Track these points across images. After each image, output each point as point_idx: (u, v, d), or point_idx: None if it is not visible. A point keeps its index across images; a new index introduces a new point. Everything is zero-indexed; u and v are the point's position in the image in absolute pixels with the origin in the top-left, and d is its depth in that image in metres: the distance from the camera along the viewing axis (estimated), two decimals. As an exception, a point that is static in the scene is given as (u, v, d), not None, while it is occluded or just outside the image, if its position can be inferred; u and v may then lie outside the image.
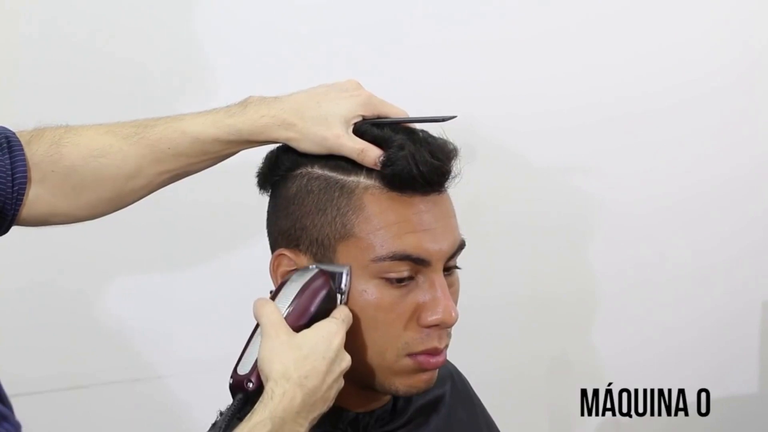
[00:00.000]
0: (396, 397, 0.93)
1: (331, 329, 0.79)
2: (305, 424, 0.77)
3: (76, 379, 1.46)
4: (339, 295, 0.83)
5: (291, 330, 0.79)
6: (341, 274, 0.83)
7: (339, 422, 0.89)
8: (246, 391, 0.78)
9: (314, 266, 0.84)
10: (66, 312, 1.43)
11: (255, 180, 0.92)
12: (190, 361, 1.53)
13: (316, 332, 0.79)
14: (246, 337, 0.82)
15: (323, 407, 0.78)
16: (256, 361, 0.78)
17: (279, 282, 0.86)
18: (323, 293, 0.82)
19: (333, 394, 0.79)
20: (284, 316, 0.80)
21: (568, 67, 1.71)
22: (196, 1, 1.45)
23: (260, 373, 0.77)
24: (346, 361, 0.80)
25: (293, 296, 0.81)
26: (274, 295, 0.83)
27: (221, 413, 0.98)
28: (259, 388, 0.77)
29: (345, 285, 0.83)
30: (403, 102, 0.92)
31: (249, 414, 0.75)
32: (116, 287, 1.46)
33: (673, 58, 1.80)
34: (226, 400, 0.97)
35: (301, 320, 0.80)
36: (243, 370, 0.79)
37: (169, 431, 1.52)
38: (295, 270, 0.85)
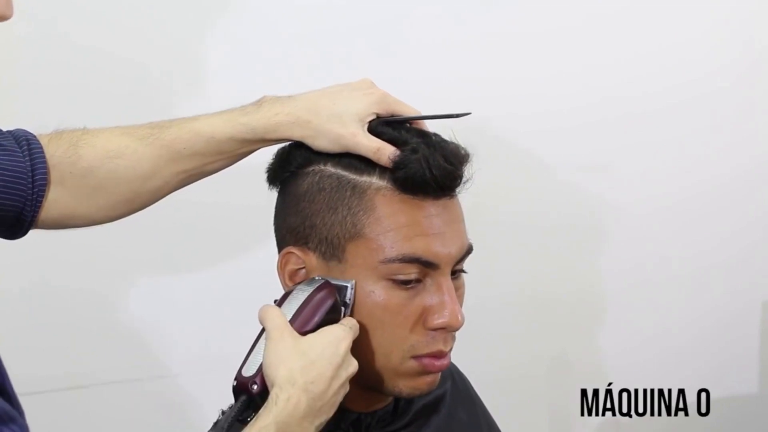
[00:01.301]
0: (398, 398, 0.93)
1: (339, 334, 0.79)
2: (311, 428, 0.76)
3: (76, 379, 1.46)
4: (343, 308, 0.83)
5: (296, 334, 0.78)
6: (346, 287, 0.83)
7: (341, 422, 0.89)
8: (250, 394, 0.78)
9: (320, 277, 0.84)
10: (66, 312, 1.43)
11: (261, 179, 0.92)
12: (191, 361, 1.53)
13: (324, 337, 0.78)
14: (247, 336, 0.82)
15: (330, 412, 0.78)
16: (261, 364, 0.78)
17: (285, 283, 0.86)
18: (328, 304, 0.81)
19: (339, 399, 0.79)
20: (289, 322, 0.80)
21: (569, 66, 1.71)
22: (197, 1, 1.45)
23: (265, 377, 0.77)
24: (353, 366, 0.80)
25: (299, 305, 0.81)
26: (279, 303, 0.83)
27: (223, 412, 0.98)
28: (263, 391, 0.77)
29: (349, 299, 0.83)
30: (406, 101, 0.92)
31: (253, 419, 0.75)
32: (116, 287, 1.46)
33: (673, 58, 1.80)
34: (228, 400, 0.98)
35: (304, 329, 0.80)
36: (248, 372, 0.79)
37: (170, 431, 1.52)
38: (301, 280, 0.85)
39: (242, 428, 0.76)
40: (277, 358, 0.76)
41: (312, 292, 0.81)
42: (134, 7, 1.41)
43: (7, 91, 1.34)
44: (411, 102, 0.92)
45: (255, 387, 0.78)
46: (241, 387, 0.79)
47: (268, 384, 0.77)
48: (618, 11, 1.75)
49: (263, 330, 0.81)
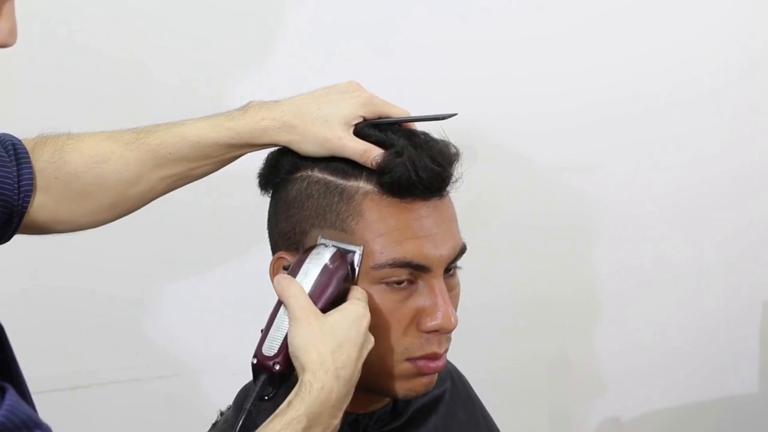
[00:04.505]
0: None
1: (359, 312, 0.78)
2: (339, 415, 0.76)
3: (76, 379, 1.46)
4: (351, 274, 0.82)
5: (320, 314, 0.77)
6: (354, 253, 0.82)
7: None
8: (271, 373, 0.77)
9: (327, 242, 0.83)
10: (66, 312, 1.43)
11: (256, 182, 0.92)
12: (191, 361, 1.53)
13: (346, 316, 0.78)
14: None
15: (351, 394, 0.78)
16: (283, 343, 0.77)
17: (296, 259, 0.84)
18: (342, 274, 0.81)
19: (358, 377, 0.78)
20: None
21: (569, 66, 1.71)
22: (196, 2, 1.45)
23: (294, 361, 0.76)
24: (371, 342, 0.79)
25: (315, 277, 0.80)
26: (291, 273, 0.81)
27: (222, 413, 0.99)
28: (285, 371, 0.77)
29: (357, 264, 0.82)
30: (402, 102, 0.92)
31: (284, 405, 0.74)
32: (116, 287, 1.45)
33: (673, 58, 1.80)
34: (226, 400, 0.98)
35: (320, 301, 0.79)
36: (269, 351, 0.78)
37: (170, 431, 1.52)
38: (311, 247, 0.83)
39: (263, 406, 0.76)
40: (304, 342, 0.75)
41: (326, 263, 0.80)
42: (134, 8, 1.41)
43: (7, 92, 1.34)
44: (408, 102, 0.92)
45: (278, 367, 0.77)
46: (262, 366, 0.78)
47: (297, 367, 0.76)
48: (618, 11, 1.74)
49: (280, 304, 0.80)
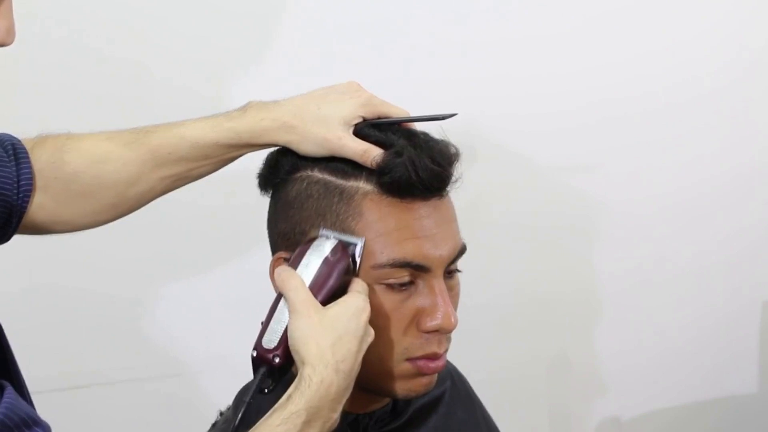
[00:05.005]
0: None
1: (359, 305, 0.78)
2: (339, 408, 0.76)
3: (76, 379, 1.46)
4: (352, 266, 0.82)
5: (320, 307, 0.77)
6: (355, 245, 0.82)
7: (339, 423, 0.89)
8: (271, 365, 0.77)
9: (329, 233, 0.82)
10: (66, 312, 1.43)
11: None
12: (191, 362, 1.53)
13: (346, 309, 0.77)
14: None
15: (351, 388, 0.78)
16: (282, 335, 0.77)
17: (297, 250, 0.83)
18: (343, 266, 0.81)
19: (358, 370, 0.78)
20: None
21: (569, 66, 1.71)
22: (196, 1, 1.45)
23: (293, 354, 0.76)
24: (371, 335, 0.79)
25: (316, 270, 0.80)
26: (292, 264, 0.81)
27: (221, 413, 0.99)
28: (285, 364, 0.77)
29: (359, 255, 0.82)
30: (402, 102, 0.92)
31: (284, 399, 0.74)
32: (116, 287, 1.45)
33: (673, 58, 1.80)
34: (226, 400, 0.98)
35: (320, 293, 0.79)
36: (268, 344, 0.78)
37: (170, 431, 1.52)
38: (313, 238, 0.83)
39: (264, 403, 0.76)
40: (304, 334, 0.75)
41: (328, 256, 0.80)
42: (134, 8, 1.41)
43: (7, 93, 1.34)
44: (408, 102, 0.92)
45: (277, 360, 0.77)
46: (261, 359, 0.77)
47: (297, 361, 0.76)
48: (618, 11, 1.74)
49: (280, 296, 0.79)
